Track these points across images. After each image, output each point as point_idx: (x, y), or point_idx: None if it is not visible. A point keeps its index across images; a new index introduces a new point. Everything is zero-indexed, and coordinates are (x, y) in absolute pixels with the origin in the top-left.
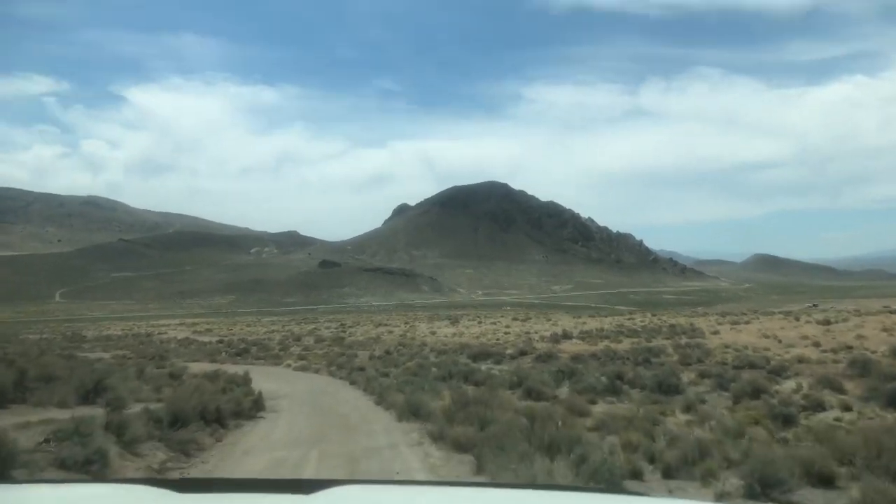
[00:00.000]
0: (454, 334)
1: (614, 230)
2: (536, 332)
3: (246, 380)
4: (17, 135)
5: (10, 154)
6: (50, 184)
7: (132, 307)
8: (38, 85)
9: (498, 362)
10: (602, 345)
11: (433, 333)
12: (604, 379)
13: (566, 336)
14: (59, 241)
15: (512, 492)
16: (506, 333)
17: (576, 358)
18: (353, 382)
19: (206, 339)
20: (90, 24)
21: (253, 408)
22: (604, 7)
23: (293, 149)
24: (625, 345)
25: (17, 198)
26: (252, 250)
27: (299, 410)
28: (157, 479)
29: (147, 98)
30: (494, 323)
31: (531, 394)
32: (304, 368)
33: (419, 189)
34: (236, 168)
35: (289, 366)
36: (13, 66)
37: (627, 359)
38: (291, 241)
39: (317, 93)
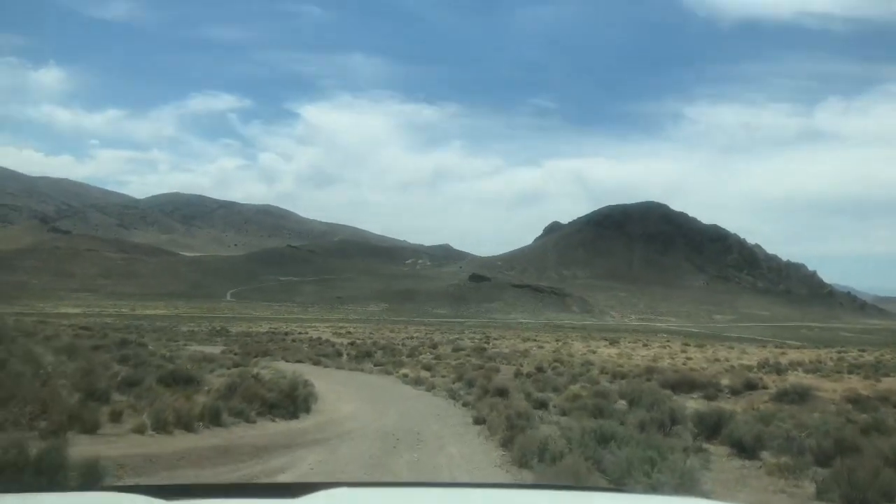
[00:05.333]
0: (619, 355)
1: (784, 259)
2: (727, 360)
3: (291, 396)
4: (206, 148)
5: (201, 165)
6: (231, 193)
7: (293, 309)
8: (224, 102)
9: (711, 397)
10: (858, 381)
11: (593, 352)
12: None
13: (777, 367)
14: (235, 245)
15: (505, 492)
16: (688, 359)
17: (855, 402)
18: (480, 420)
19: (340, 340)
20: (271, 46)
21: None
22: (777, 22)
23: (450, 165)
24: (890, 384)
25: (204, 205)
26: (407, 261)
27: None
28: (144, 486)
29: (317, 114)
30: (664, 347)
31: None
32: (418, 382)
33: (572, 208)
34: (396, 182)
35: (405, 376)
36: (205, 85)
37: None
38: (444, 255)
39: (475, 111)
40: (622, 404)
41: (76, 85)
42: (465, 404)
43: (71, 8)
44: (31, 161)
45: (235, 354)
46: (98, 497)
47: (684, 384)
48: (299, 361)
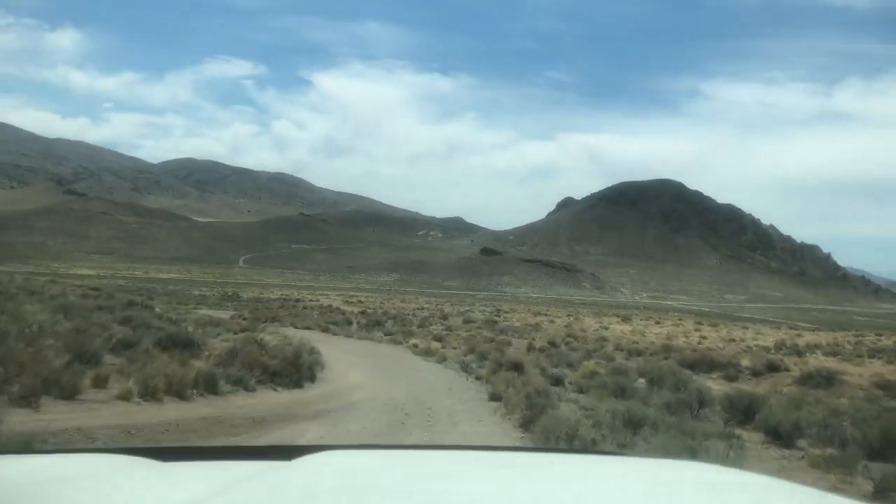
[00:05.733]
0: (632, 332)
1: (798, 240)
2: (742, 340)
3: (295, 363)
4: (220, 114)
5: (214, 131)
6: (244, 160)
7: (304, 277)
8: (239, 68)
9: (732, 378)
10: (882, 366)
11: (605, 328)
12: None
13: (796, 349)
14: (248, 211)
15: (497, 454)
16: (703, 338)
17: (884, 387)
18: (495, 397)
19: (350, 309)
20: (285, 11)
21: None
22: None
23: (463, 137)
24: None
25: (218, 171)
26: (419, 233)
27: None
28: (139, 448)
29: (331, 83)
30: (677, 325)
31: None
32: (428, 353)
33: (585, 183)
34: (409, 153)
35: (415, 346)
36: (220, 51)
37: None
38: (456, 227)
39: (489, 83)
40: (641, 383)
41: (92, 47)
42: (477, 378)
43: None
44: (47, 123)
45: (244, 319)
46: (94, 458)
47: (703, 364)
48: (308, 328)
